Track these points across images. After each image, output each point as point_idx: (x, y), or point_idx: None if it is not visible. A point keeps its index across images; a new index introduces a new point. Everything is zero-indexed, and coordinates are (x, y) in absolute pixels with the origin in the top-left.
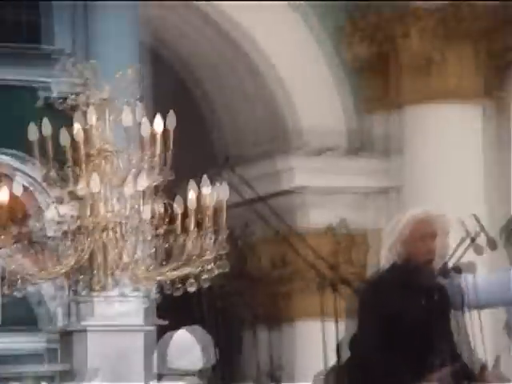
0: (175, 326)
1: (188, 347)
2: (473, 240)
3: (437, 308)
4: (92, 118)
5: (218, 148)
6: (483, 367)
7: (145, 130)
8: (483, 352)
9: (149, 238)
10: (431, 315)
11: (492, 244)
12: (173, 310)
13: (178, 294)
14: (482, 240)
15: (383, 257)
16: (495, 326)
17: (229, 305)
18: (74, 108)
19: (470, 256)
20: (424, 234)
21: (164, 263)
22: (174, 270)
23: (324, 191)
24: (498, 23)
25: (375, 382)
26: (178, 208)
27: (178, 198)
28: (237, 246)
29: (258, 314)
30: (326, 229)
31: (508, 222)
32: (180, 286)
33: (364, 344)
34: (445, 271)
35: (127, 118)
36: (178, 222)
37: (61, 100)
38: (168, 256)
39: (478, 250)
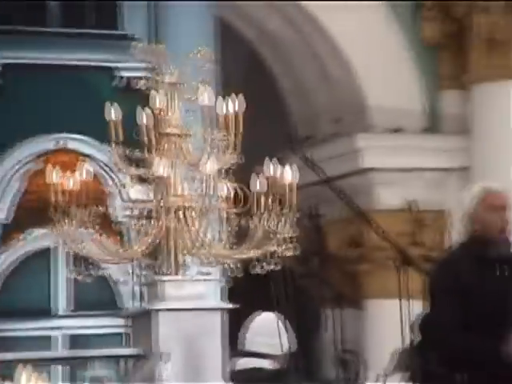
0: (248, 310)
1: (272, 332)
2: None
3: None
4: (161, 102)
5: (291, 128)
6: None
7: (219, 110)
8: None
9: (224, 217)
10: (508, 286)
11: None
12: (244, 294)
13: (260, 271)
14: None
15: (455, 232)
16: None
17: (307, 284)
18: (144, 91)
19: None
20: (495, 205)
21: (234, 246)
22: (250, 249)
23: (396, 171)
24: None
25: (454, 362)
26: (254, 187)
27: (253, 180)
28: (309, 228)
29: (335, 294)
30: (399, 209)
31: None
32: (258, 264)
33: (440, 323)
34: None
35: (203, 97)
36: (252, 202)
37: (134, 81)
38: (239, 237)
39: None
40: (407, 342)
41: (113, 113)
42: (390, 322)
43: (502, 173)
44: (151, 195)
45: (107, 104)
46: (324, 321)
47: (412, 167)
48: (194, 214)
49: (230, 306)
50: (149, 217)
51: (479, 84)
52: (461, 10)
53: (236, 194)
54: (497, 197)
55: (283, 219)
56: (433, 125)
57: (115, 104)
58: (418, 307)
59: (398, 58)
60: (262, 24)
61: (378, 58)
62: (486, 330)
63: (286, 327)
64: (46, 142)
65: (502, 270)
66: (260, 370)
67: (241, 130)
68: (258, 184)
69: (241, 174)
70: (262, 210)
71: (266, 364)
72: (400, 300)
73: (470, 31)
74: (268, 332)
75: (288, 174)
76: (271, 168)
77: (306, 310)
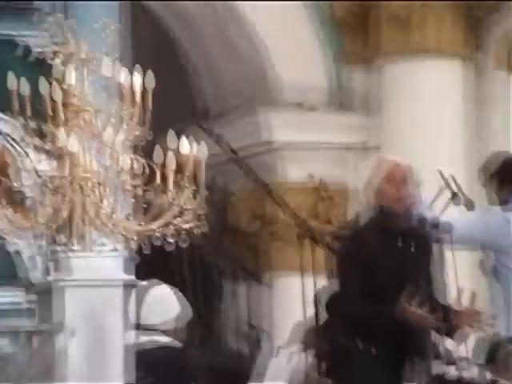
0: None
1: (165, 304)
2: (454, 196)
3: (416, 250)
4: (69, 76)
5: (198, 103)
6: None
7: (125, 85)
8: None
9: (128, 193)
10: (409, 257)
11: (470, 204)
12: (151, 270)
13: (168, 247)
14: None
15: (358, 205)
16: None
17: (211, 259)
18: (52, 65)
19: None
20: (396, 177)
21: (142, 222)
22: (158, 225)
23: (303, 147)
24: None
25: (360, 332)
26: (158, 159)
27: (157, 151)
28: (213, 202)
29: (239, 268)
30: (305, 184)
31: (487, 161)
32: (163, 239)
33: (346, 295)
34: (422, 222)
35: (107, 69)
36: (157, 178)
37: (42, 55)
38: (147, 213)
39: (457, 202)
40: (310, 316)
41: (15, 83)
42: (293, 297)
43: (409, 150)
44: (58, 169)
45: (10, 74)
46: (228, 295)
47: (316, 142)
48: (101, 188)
49: (135, 280)
50: (55, 191)
51: (385, 61)
52: None
53: (144, 169)
54: (397, 169)
55: (192, 195)
56: (338, 101)
57: (22, 77)
58: (321, 282)
59: (304, 34)
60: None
61: (285, 33)
62: (388, 300)
63: (181, 300)
64: None
65: (403, 241)
66: (165, 348)
67: (150, 105)
68: (162, 158)
69: (150, 150)
70: (170, 186)
71: (167, 341)
72: (302, 274)
73: (377, 8)
74: (165, 306)
75: (199, 150)
76: (177, 143)
77: (211, 285)
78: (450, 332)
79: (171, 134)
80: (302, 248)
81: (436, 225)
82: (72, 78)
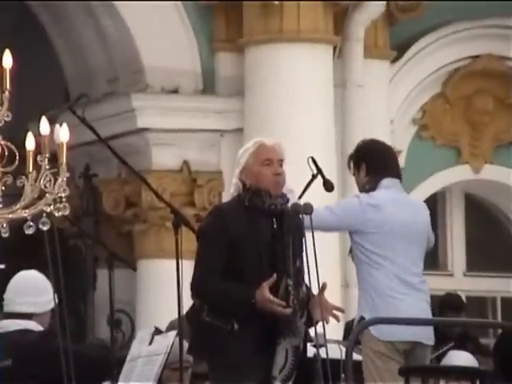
0: (17, 271)
1: (28, 290)
2: (313, 178)
3: (290, 233)
4: None
5: (66, 86)
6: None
7: None
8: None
9: None
10: (283, 239)
11: (328, 186)
12: (12, 254)
13: (31, 232)
14: (319, 182)
15: (232, 187)
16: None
17: (80, 245)
18: None
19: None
20: (267, 158)
21: (2, 205)
22: (21, 209)
23: (171, 131)
24: None
25: (221, 312)
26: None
27: (30, 138)
28: (83, 188)
29: (108, 254)
30: (174, 170)
31: (355, 149)
32: (29, 224)
33: (198, 272)
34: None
35: None
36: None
37: None
38: (8, 197)
39: (328, 187)
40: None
41: None
42: (162, 282)
43: (274, 135)
44: None
45: None
46: (96, 281)
47: (187, 128)
48: None
49: None
50: None
51: (252, 47)
52: None
53: (3, 151)
54: (270, 150)
55: (54, 179)
56: (208, 86)
57: None
58: (190, 267)
59: (174, 19)
60: None
61: (155, 18)
62: (252, 279)
63: (45, 284)
64: None
65: (270, 221)
66: (26, 331)
67: (8, 86)
68: (34, 144)
69: (10, 131)
70: (31, 169)
71: (30, 325)
72: (177, 260)
73: None
74: (28, 290)
75: (60, 133)
76: (44, 126)
77: (78, 271)
78: (307, 321)
79: (44, 119)
80: (176, 234)
81: (308, 210)
82: None
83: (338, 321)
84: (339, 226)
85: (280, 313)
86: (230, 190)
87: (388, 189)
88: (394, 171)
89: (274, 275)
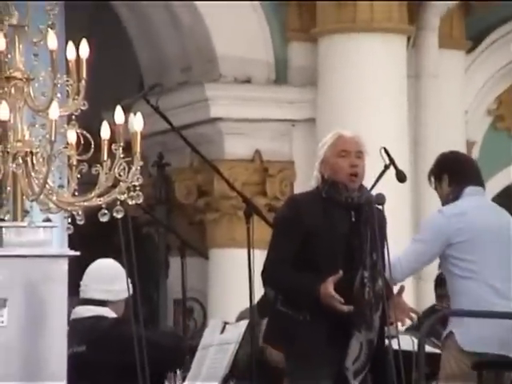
0: (90, 258)
1: (104, 278)
2: (386, 168)
3: (369, 227)
4: (0, 44)
5: (140, 75)
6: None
7: (67, 55)
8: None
9: (69, 163)
10: (361, 232)
11: (401, 176)
12: (87, 241)
13: (104, 219)
14: (392, 173)
15: (313, 179)
16: None
17: (153, 232)
18: None
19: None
20: (345, 150)
21: (77, 193)
22: (96, 197)
23: (244, 121)
24: None
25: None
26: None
27: (105, 127)
28: (156, 176)
29: (180, 242)
30: (246, 159)
31: (435, 161)
32: (104, 212)
33: (268, 259)
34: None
35: (52, 41)
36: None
37: None
38: (83, 185)
39: (401, 178)
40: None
41: None
42: (234, 271)
43: (347, 125)
44: None
45: None
46: (168, 269)
47: (259, 118)
48: (40, 159)
49: (71, 252)
50: None
51: (325, 37)
52: None
53: (79, 140)
54: (347, 142)
55: (128, 167)
56: (280, 76)
57: None
58: (261, 257)
59: (247, 9)
60: None
61: (228, 9)
62: (326, 271)
63: (121, 273)
64: None
65: (349, 214)
66: (100, 318)
67: (84, 75)
68: (109, 133)
69: (86, 120)
70: (106, 158)
71: (104, 311)
72: (249, 249)
73: None
74: (105, 278)
75: (134, 122)
76: (119, 115)
77: (151, 258)
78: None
79: (118, 108)
80: (248, 224)
81: (381, 200)
82: (1, 43)
83: (413, 322)
84: (435, 251)
85: (339, 309)
86: (301, 180)
87: (472, 196)
88: (477, 179)
89: (341, 271)
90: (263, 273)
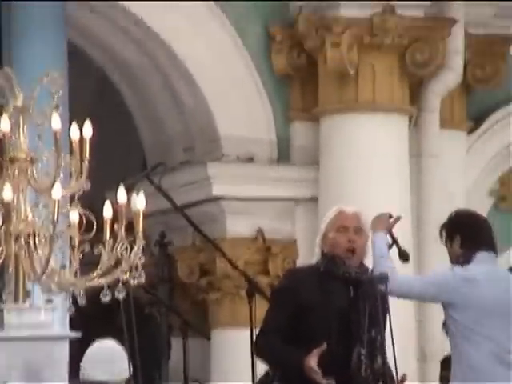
0: (91, 339)
1: (104, 359)
2: (389, 248)
3: (367, 303)
4: (5, 126)
5: (143, 155)
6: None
7: (71, 135)
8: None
9: (71, 244)
10: (359, 308)
11: (404, 256)
12: (87, 322)
13: (106, 300)
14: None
15: (314, 256)
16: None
17: (154, 313)
18: None
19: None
20: (344, 225)
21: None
22: (98, 277)
23: (246, 200)
24: (423, 35)
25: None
26: (107, 216)
27: (107, 206)
28: (158, 255)
29: (182, 322)
30: (248, 238)
31: (449, 219)
32: (106, 292)
33: (262, 329)
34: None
35: (56, 123)
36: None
37: None
38: (85, 265)
39: (404, 257)
40: (256, 371)
41: None
42: (237, 351)
43: (349, 203)
44: None
45: None
46: (170, 349)
47: (262, 197)
48: (42, 239)
49: (72, 334)
50: None
51: (327, 116)
52: (311, 43)
53: (81, 220)
54: (346, 217)
55: (130, 247)
56: (283, 155)
57: None
58: None
59: (249, 88)
60: (113, 50)
61: (230, 87)
62: (320, 345)
63: (122, 354)
64: None
65: (347, 289)
66: None
67: (87, 155)
68: (111, 213)
69: (88, 200)
70: (108, 237)
71: None
72: (252, 329)
73: (320, 64)
74: (105, 358)
75: (136, 201)
76: (121, 195)
77: (153, 339)
78: None
79: (121, 188)
80: (250, 303)
81: (383, 280)
82: (6, 125)
83: None
84: (432, 297)
85: (319, 382)
86: (304, 259)
87: (483, 263)
88: (490, 244)
89: (324, 344)
90: (255, 343)
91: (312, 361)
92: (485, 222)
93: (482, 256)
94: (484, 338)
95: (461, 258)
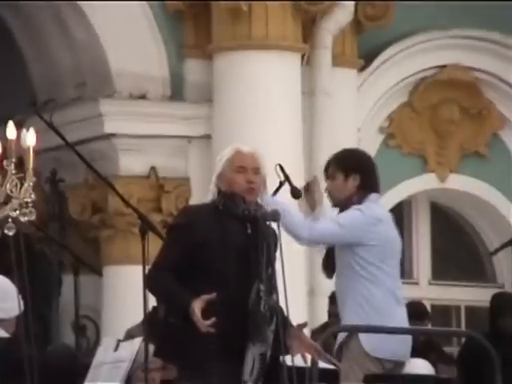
0: None
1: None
2: (281, 185)
3: (264, 241)
4: None
5: (33, 91)
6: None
7: None
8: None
9: None
10: (255, 245)
11: (295, 193)
12: None
13: None
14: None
15: (209, 193)
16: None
17: (45, 250)
18: None
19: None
20: (242, 165)
21: None
22: None
23: (139, 137)
24: None
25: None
26: None
27: None
28: (49, 193)
29: (74, 259)
30: (141, 175)
31: (343, 156)
32: None
33: (153, 265)
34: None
35: None
36: None
37: None
38: None
39: (296, 194)
40: (148, 308)
41: None
42: (128, 289)
43: (243, 142)
44: None
45: None
46: (61, 286)
47: (155, 134)
48: None
49: None
50: None
51: (220, 53)
52: None
53: None
54: (244, 157)
55: (20, 184)
56: (176, 92)
57: None
58: None
59: (142, 25)
60: None
61: (123, 24)
62: (217, 282)
63: (12, 290)
64: None
65: (244, 227)
66: None
67: None
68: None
69: None
70: None
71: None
72: (144, 266)
73: (213, 0)
74: None
75: (27, 137)
76: (11, 131)
77: (43, 276)
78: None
79: (10, 124)
80: (143, 240)
81: (276, 216)
82: None
83: (316, 359)
84: (348, 240)
85: (199, 326)
86: (197, 196)
87: (376, 203)
88: (379, 187)
89: (214, 293)
90: (147, 277)
91: (197, 305)
92: (375, 164)
93: (374, 197)
94: (386, 275)
95: (354, 197)
